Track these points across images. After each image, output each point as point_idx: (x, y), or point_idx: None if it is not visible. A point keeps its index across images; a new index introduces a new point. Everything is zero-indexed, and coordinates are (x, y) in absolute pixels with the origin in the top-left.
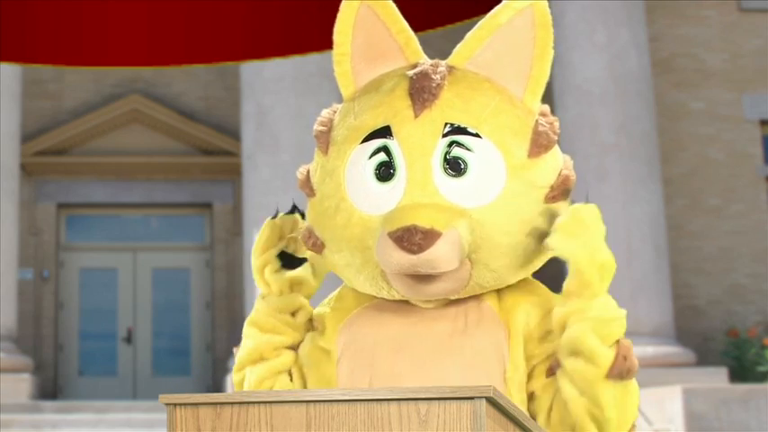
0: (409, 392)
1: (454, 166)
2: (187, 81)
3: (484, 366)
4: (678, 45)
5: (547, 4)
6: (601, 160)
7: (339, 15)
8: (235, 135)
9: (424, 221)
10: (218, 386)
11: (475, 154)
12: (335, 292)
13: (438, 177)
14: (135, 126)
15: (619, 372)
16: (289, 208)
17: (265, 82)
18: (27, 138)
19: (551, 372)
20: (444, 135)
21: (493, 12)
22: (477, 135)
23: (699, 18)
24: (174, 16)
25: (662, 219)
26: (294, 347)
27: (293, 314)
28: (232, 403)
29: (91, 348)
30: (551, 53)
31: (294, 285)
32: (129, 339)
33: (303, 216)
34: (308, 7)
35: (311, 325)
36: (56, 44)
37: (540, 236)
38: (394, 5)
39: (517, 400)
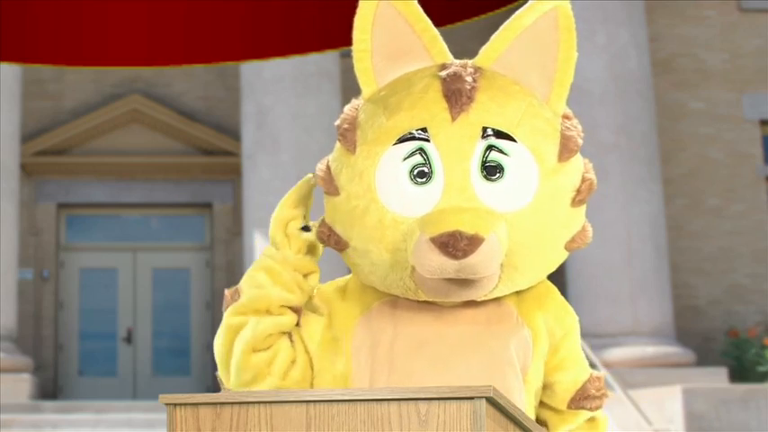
0: (409, 392)
1: (491, 171)
2: (187, 81)
3: (507, 367)
4: (678, 45)
5: (570, 6)
6: (601, 160)
7: (358, 11)
8: (235, 135)
9: (467, 227)
10: (217, 386)
11: (511, 158)
12: (343, 283)
13: (476, 181)
14: (135, 126)
15: None
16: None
17: (265, 82)
18: (27, 138)
19: (575, 404)
20: (482, 139)
21: (518, 13)
22: (512, 139)
23: (699, 18)
24: (174, 16)
25: (662, 219)
26: (297, 311)
27: (305, 276)
28: (232, 403)
29: (91, 348)
30: (575, 56)
31: (310, 248)
32: (129, 339)
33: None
34: (308, 7)
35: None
36: (56, 44)
37: (565, 239)
38: (416, 2)
39: (532, 405)
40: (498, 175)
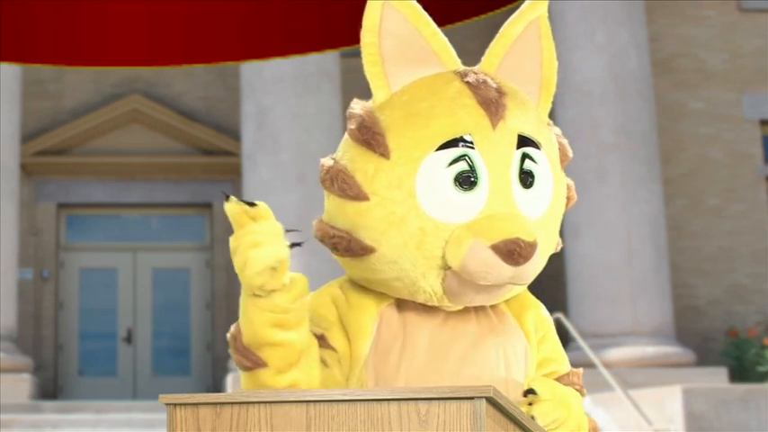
0: (409, 392)
1: (526, 179)
2: (187, 81)
3: (516, 370)
4: (678, 45)
5: (547, 13)
6: (601, 160)
7: (365, 15)
8: (235, 135)
9: (525, 234)
10: (218, 386)
11: (539, 166)
12: (339, 288)
13: (515, 189)
14: (135, 126)
15: None
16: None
17: (265, 82)
18: (27, 138)
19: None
20: (517, 147)
21: (510, 21)
22: (538, 147)
23: (699, 18)
24: (174, 16)
25: (662, 219)
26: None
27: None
28: (232, 403)
29: (91, 348)
30: (556, 62)
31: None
32: (129, 339)
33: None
34: (308, 7)
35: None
36: (56, 44)
37: (555, 244)
38: (419, 6)
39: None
40: (531, 181)
